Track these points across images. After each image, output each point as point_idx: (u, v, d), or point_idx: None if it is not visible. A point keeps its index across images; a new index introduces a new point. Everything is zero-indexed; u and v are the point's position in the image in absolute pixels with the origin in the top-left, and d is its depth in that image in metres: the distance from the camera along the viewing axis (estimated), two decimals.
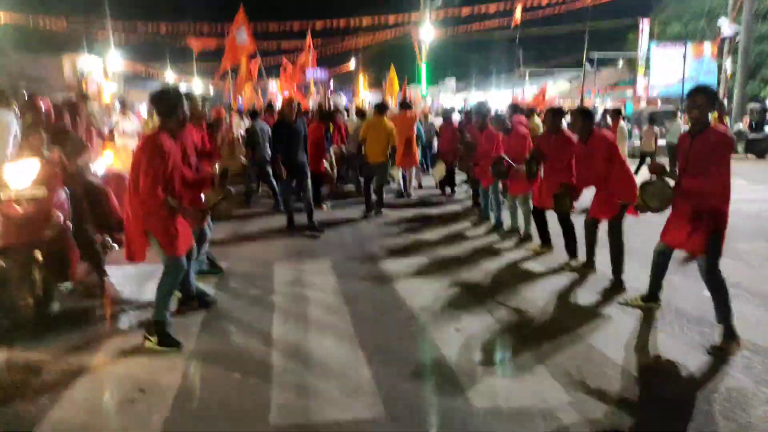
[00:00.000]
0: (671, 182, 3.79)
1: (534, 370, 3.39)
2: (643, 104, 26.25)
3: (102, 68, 33.86)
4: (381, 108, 8.28)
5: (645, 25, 28.22)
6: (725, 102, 24.18)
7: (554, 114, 5.80)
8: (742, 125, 17.69)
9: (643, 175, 4.43)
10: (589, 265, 5.29)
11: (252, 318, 4.31)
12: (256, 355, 3.66)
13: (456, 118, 10.80)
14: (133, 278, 5.15)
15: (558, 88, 31.48)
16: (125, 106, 11.42)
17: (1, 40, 26.76)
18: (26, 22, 22.68)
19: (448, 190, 9.98)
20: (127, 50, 34.39)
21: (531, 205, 6.27)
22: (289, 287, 5.03)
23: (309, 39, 12.35)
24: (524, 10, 19.40)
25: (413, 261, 5.83)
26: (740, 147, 16.66)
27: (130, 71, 38.31)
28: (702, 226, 3.63)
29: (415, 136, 9.38)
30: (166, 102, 3.70)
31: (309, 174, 7.03)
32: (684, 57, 20.19)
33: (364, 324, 4.16)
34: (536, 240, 6.28)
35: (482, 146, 7.17)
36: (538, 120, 9.58)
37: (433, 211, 8.66)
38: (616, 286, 4.78)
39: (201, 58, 33.84)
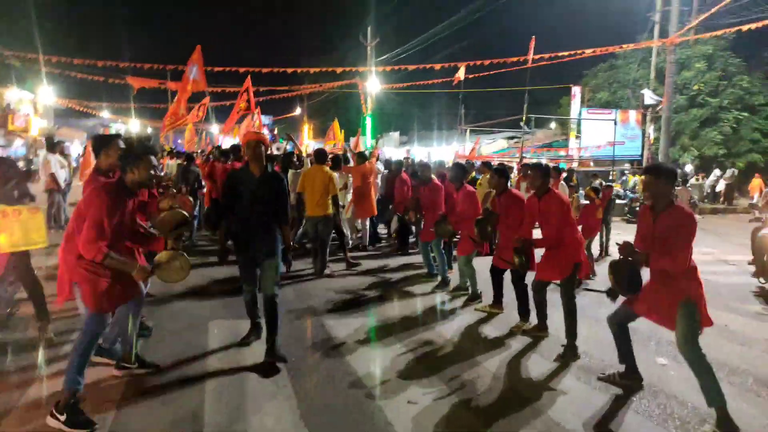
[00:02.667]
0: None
1: None
2: (575, 164, 27.57)
3: (31, 102, 32.28)
4: (320, 156, 7.59)
5: (577, 91, 30.09)
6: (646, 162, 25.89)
7: (500, 174, 5.78)
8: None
9: None
10: (541, 328, 5.16)
11: (181, 393, 3.81)
12: None
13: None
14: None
15: (497, 146, 32.66)
16: (54, 146, 10.69)
17: None
18: None
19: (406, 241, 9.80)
20: (62, 85, 33.02)
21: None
22: (224, 352, 4.56)
23: (248, 82, 12.01)
24: (467, 70, 20.08)
25: (361, 323, 5.50)
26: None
27: (64, 107, 36.68)
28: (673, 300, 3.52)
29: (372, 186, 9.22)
30: (136, 155, 3.44)
31: (277, 263, 4.49)
32: (615, 123, 21.45)
33: (310, 398, 3.77)
34: (486, 299, 6.13)
35: (425, 198, 7.10)
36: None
37: (381, 265, 8.39)
38: (570, 350, 4.63)
39: (140, 98, 32.85)
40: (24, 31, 26.67)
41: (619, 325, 4.00)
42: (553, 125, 39.93)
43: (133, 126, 37.62)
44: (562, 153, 30.52)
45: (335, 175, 7.54)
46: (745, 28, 16.67)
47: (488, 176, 9.20)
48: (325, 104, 46.86)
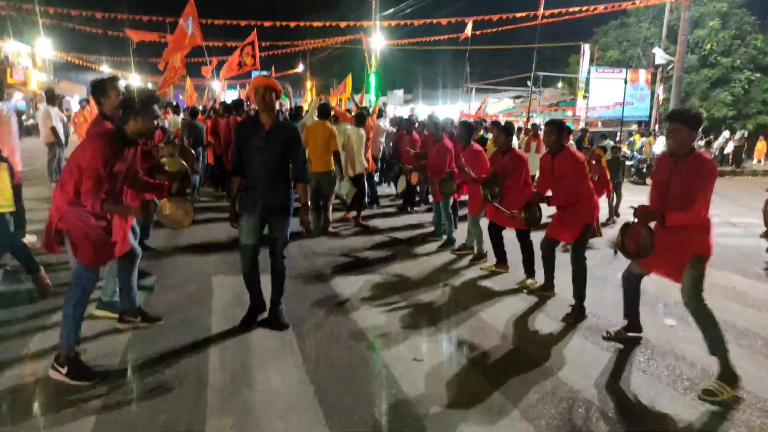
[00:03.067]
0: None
1: (505, 412, 3.07)
2: (581, 125, 27.17)
3: (29, 56, 31.67)
4: (323, 111, 7.41)
5: (586, 49, 29.32)
6: (656, 127, 25.46)
7: (506, 133, 5.60)
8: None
9: None
10: (547, 288, 5.10)
11: (184, 349, 3.76)
12: (187, 393, 3.16)
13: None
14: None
15: (502, 106, 32.11)
16: (54, 99, 10.41)
17: None
18: None
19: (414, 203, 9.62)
20: (60, 38, 32.32)
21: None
22: (228, 308, 4.51)
23: (254, 36, 11.66)
24: (474, 26, 19.54)
25: (365, 280, 5.44)
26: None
27: (63, 61, 36.00)
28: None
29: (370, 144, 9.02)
30: (140, 104, 3.26)
31: (288, 224, 4.09)
32: (625, 82, 20.97)
33: (313, 354, 3.74)
34: (491, 258, 6.06)
35: (433, 159, 6.90)
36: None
37: (386, 224, 8.29)
38: (578, 311, 4.57)
39: (140, 51, 32.20)
40: None
41: (631, 282, 3.93)
42: (560, 85, 39.22)
43: (133, 80, 37.01)
44: (569, 113, 30.06)
45: (335, 129, 7.35)
46: None
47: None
48: (328, 60, 45.90)
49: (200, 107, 16.57)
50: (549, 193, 4.82)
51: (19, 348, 3.62)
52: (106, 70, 39.09)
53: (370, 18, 27.41)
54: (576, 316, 4.51)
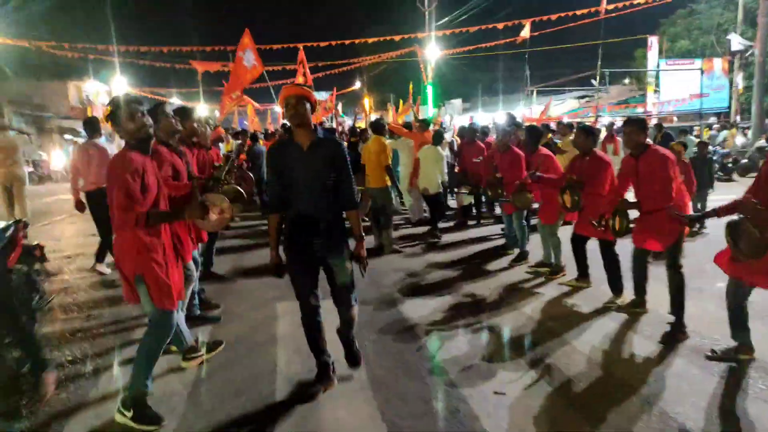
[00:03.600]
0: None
1: None
2: (653, 121, 25.70)
3: (107, 94, 33.76)
4: (376, 127, 7.26)
5: (654, 41, 27.80)
6: (737, 118, 23.64)
7: (586, 133, 5.15)
8: (764, 141, 17.00)
9: None
10: (639, 304, 4.59)
11: (249, 382, 3.60)
12: (255, 427, 2.98)
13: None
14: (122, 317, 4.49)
15: (567, 107, 30.92)
16: None
17: (4, 65, 26.58)
18: (31, 48, 22.39)
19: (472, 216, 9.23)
20: (133, 75, 34.29)
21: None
22: (293, 337, 4.33)
23: (301, 55, 11.75)
24: (532, 27, 18.90)
25: (436, 303, 5.11)
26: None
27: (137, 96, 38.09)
28: None
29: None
30: (118, 112, 3.02)
31: (347, 265, 3.30)
32: (701, 72, 19.63)
33: (386, 389, 3.45)
34: (571, 272, 5.59)
35: (505, 171, 6.40)
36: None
37: (453, 239, 7.94)
38: (678, 328, 4.05)
39: (205, 81, 33.60)
40: (94, 24, 27.74)
41: (738, 304, 3.50)
42: (626, 80, 37.41)
43: (201, 110, 38.65)
44: (640, 110, 28.55)
45: (387, 143, 7.12)
46: None
47: (570, 138, 8.46)
48: (383, 76, 46.15)
49: (263, 131, 16.92)
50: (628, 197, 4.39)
51: (87, 389, 3.57)
52: (176, 101, 41.16)
53: (423, 29, 27.28)
54: (676, 335, 4.00)
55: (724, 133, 19.57)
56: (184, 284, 3.57)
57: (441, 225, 8.29)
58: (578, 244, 5.30)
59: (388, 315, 4.85)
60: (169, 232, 3.24)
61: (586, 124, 6.05)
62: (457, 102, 39.94)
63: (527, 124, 7.05)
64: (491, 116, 31.72)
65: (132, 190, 2.83)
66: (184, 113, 4.41)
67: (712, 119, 25.14)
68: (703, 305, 4.57)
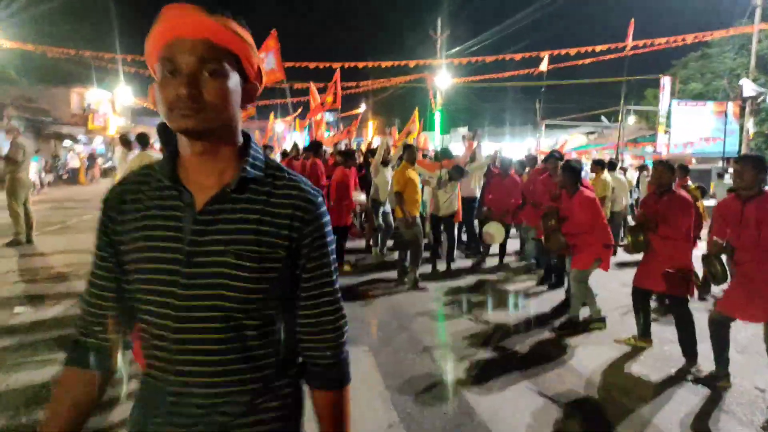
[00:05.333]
0: None
1: None
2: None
3: (110, 102, 33.31)
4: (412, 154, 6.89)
5: (667, 82, 27.71)
6: None
7: (665, 169, 4.55)
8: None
9: None
10: (720, 375, 3.95)
11: None
12: None
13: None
14: None
15: (575, 142, 30.64)
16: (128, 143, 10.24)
17: (9, 69, 26.15)
18: (36, 52, 21.96)
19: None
20: (137, 84, 33.93)
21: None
22: None
23: (337, 75, 11.37)
24: (550, 60, 18.63)
25: (478, 357, 4.47)
26: None
27: (139, 106, 37.78)
28: None
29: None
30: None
31: None
32: (726, 115, 19.39)
33: None
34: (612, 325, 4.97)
35: (575, 215, 5.29)
36: (607, 176, 8.10)
37: (489, 279, 7.30)
38: None
39: None
40: (100, 31, 27.50)
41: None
42: (632, 119, 37.31)
43: None
44: (649, 149, 28.34)
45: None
46: None
47: (602, 176, 7.90)
48: (390, 100, 46.09)
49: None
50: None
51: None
52: None
53: (434, 56, 27.11)
54: None
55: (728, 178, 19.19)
56: None
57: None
58: (640, 298, 4.69)
59: (425, 370, 4.18)
60: None
61: (664, 160, 5.14)
62: (463, 130, 39.78)
63: (568, 161, 6.33)
64: (497, 146, 31.47)
65: None
66: None
67: (719, 163, 24.91)
68: None
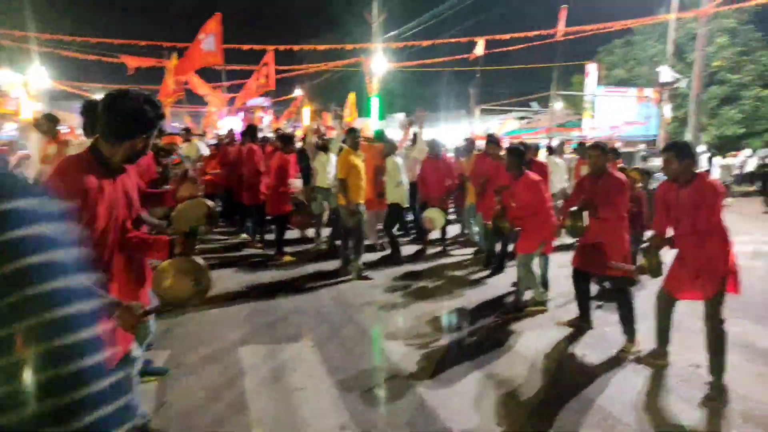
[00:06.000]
0: None
1: None
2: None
3: (24, 85, 30.83)
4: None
5: (593, 69, 28.87)
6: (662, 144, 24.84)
7: (602, 152, 4.64)
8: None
9: None
10: (661, 354, 4.08)
11: None
12: None
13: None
14: None
15: (508, 127, 31.39)
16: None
17: None
18: None
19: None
20: (54, 66, 31.57)
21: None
22: (265, 396, 3.49)
23: (269, 56, 10.92)
24: (486, 45, 18.81)
25: (427, 347, 4.41)
26: None
27: (57, 90, 35.23)
28: None
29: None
30: (122, 114, 2.15)
31: None
32: (659, 101, 20.32)
33: None
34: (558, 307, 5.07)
35: (521, 197, 5.38)
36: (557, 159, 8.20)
37: (433, 266, 7.27)
38: (718, 391, 3.55)
39: (137, 79, 31.44)
40: (13, 8, 25.30)
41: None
42: (559, 105, 38.71)
43: None
44: (575, 133, 29.48)
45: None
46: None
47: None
48: (326, 85, 45.38)
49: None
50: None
51: None
52: (101, 97, 38.33)
53: (371, 40, 26.82)
54: (719, 396, 3.51)
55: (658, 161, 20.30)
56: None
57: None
58: (581, 282, 4.78)
59: (375, 359, 4.09)
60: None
61: (600, 143, 5.16)
62: (400, 116, 39.85)
63: (513, 145, 6.32)
64: (434, 131, 31.70)
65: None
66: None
67: (641, 146, 26.29)
68: (745, 362, 4.14)
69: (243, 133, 8.32)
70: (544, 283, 5.71)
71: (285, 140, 7.61)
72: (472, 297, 5.81)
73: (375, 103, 27.06)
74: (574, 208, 4.56)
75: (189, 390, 3.52)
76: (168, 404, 3.26)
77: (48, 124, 6.32)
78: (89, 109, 3.05)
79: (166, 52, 24.71)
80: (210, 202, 2.88)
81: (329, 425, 3.12)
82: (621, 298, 4.40)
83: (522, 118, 33.99)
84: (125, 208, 2.31)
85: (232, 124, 19.01)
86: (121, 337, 2.20)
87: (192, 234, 2.52)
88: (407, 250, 7.91)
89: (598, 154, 4.58)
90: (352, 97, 15.98)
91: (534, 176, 5.38)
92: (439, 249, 7.97)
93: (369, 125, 23.70)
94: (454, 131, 32.17)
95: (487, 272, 6.75)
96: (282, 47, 22.00)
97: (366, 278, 6.37)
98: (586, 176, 4.81)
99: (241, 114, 27.16)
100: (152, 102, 2.21)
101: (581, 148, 9.02)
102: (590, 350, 4.35)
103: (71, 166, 2.12)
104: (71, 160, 2.18)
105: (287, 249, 7.51)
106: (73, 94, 34.86)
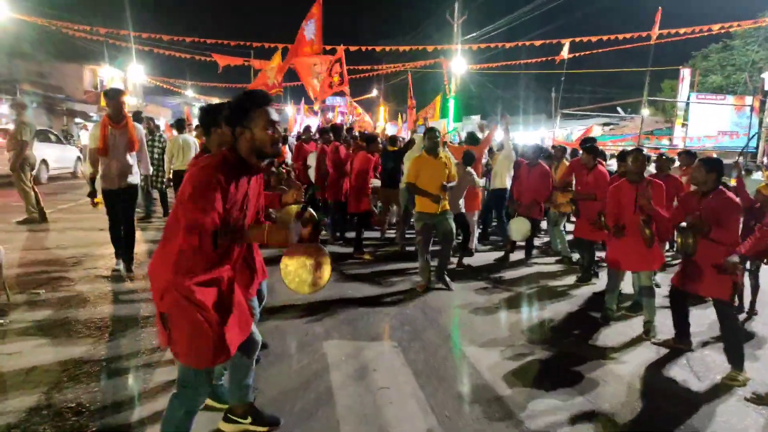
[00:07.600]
0: None
1: None
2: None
3: (122, 80, 33.10)
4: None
5: (686, 74, 27.20)
6: (765, 159, 22.94)
7: (710, 167, 4.21)
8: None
9: None
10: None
11: None
12: None
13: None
14: None
15: (593, 134, 30.15)
16: (141, 121, 10.00)
17: (22, 44, 25.90)
18: (50, 28, 21.72)
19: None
20: (149, 63, 33.70)
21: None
22: (353, 389, 3.51)
23: (340, 52, 10.83)
24: (571, 48, 18.18)
25: (512, 354, 4.29)
26: None
27: (151, 85, 37.59)
28: None
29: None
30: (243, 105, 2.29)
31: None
32: (752, 109, 18.89)
33: None
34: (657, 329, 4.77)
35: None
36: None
37: (511, 275, 7.13)
38: None
39: (224, 76, 32.97)
40: (114, 8, 27.16)
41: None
42: (646, 112, 36.73)
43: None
44: (665, 141, 27.92)
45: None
46: None
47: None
48: (402, 86, 45.57)
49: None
50: None
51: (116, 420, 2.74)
52: (190, 93, 40.50)
53: (451, 41, 26.62)
54: None
55: (758, 175, 18.78)
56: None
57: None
58: (679, 301, 4.49)
59: (462, 367, 4.02)
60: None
61: (709, 157, 4.62)
62: (476, 118, 39.33)
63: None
64: (511, 135, 30.92)
65: (213, 205, 2.14)
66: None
67: (739, 159, 24.45)
68: None
69: (324, 131, 8.37)
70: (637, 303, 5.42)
71: (369, 140, 7.69)
72: (558, 307, 5.61)
73: (451, 105, 26.85)
74: (683, 224, 4.27)
75: (278, 379, 3.61)
76: (260, 391, 3.35)
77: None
78: (208, 112, 3.14)
79: (252, 52, 25.79)
80: (314, 212, 2.98)
81: (416, 427, 3.09)
82: (726, 324, 4.08)
83: (606, 124, 32.56)
84: (254, 206, 2.46)
85: (310, 122, 19.43)
86: None
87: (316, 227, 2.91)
88: (486, 257, 7.77)
89: (707, 169, 4.20)
90: (438, 98, 15.87)
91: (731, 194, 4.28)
92: (522, 257, 7.77)
93: (444, 126, 23.54)
94: (532, 135, 31.32)
95: (572, 282, 6.52)
96: (364, 48, 22.34)
97: (447, 287, 6.18)
98: (692, 193, 4.47)
99: (319, 113, 27.73)
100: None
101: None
102: (689, 375, 4.07)
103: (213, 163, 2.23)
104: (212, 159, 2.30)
105: (366, 248, 7.57)
106: (165, 89, 37.04)
